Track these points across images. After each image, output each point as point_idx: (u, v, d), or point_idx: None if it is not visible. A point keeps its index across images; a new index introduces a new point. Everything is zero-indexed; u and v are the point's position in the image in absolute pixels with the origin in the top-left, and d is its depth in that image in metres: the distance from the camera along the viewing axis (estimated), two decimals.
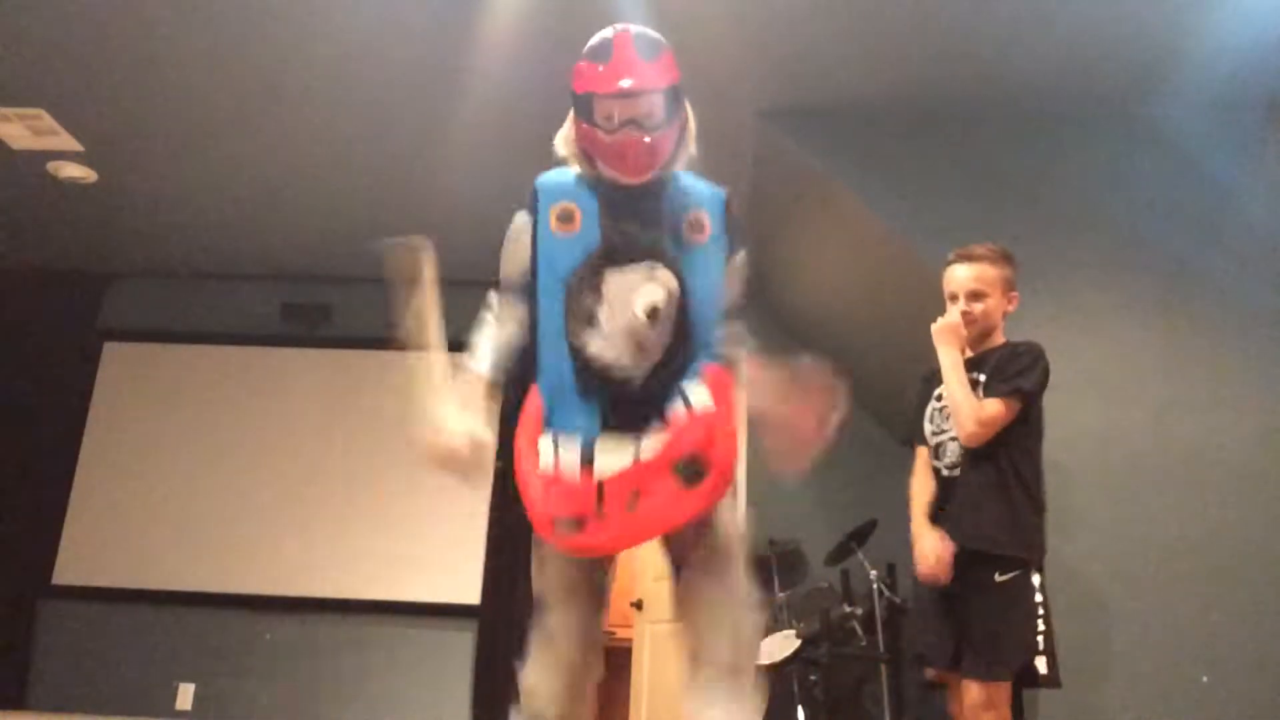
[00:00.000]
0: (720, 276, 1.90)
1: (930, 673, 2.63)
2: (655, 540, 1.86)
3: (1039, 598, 2.43)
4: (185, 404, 5.66)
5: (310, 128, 4.34)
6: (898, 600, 4.25)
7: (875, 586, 4.25)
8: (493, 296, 1.93)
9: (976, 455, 2.50)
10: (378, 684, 5.16)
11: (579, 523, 1.72)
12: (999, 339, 2.65)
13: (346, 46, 3.77)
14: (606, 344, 1.79)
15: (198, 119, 4.31)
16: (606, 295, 1.80)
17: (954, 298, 2.64)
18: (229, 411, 5.63)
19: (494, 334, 1.89)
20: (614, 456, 1.76)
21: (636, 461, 1.74)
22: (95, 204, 5.10)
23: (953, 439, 2.57)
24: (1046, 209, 3.81)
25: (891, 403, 5.03)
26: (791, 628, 4.23)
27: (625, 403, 1.79)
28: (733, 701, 1.78)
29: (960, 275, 2.63)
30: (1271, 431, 3.45)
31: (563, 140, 1.93)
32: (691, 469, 1.72)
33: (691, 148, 1.93)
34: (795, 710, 4.04)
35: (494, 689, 5.09)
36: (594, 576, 1.89)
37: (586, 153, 1.88)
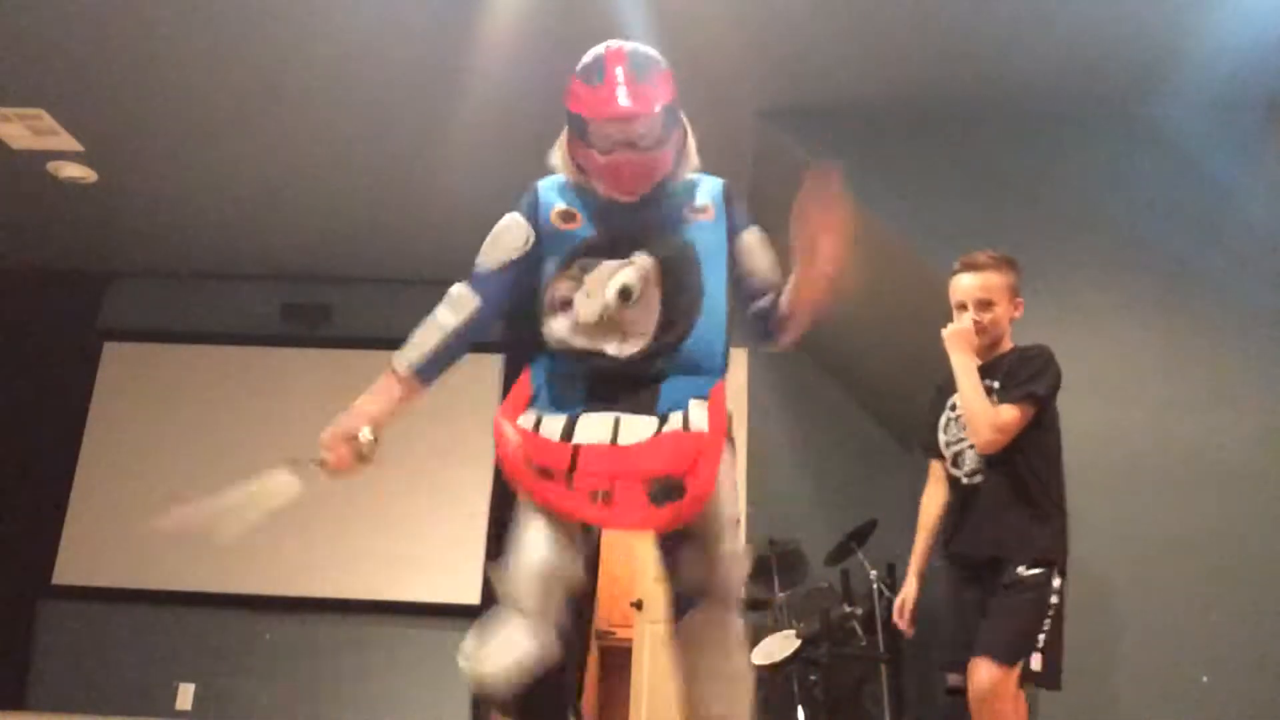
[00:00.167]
0: (723, 249, 1.90)
1: (953, 678, 2.63)
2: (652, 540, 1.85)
3: (1055, 599, 2.44)
4: (185, 404, 5.66)
5: (310, 128, 4.34)
6: (897, 600, 4.25)
7: (875, 586, 4.25)
8: (456, 288, 1.91)
9: (996, 462, 2.51)
10: (378, 684, 5.16)
11: (549, 472, 1.72)
12: (1007, 344, 2.65)
13: (346, 46, 3.77)
14: (578, 328, 1.80)
15: (198, 119, 4.31)
16: (586, 282, 1.80)
17: (962, 307, 2.64)
18: (229, 411, 5.63)
19: (438, 326, 1.88)
20: (593, 433, 1.76)
21: (614, 444, 1.74)
22: (95, 204, 5.10)
23: (971, 447, 2.58)
24: (1046, 209, 3.81)
25: (891, 403, 5.03)
26: (791, 628, 4.23)
27: (607, 382, 1.79)
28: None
29: (967, 284, 2.63)
30: (1271, 431, 3.45)
31: (558, 155, 1.92)
32: (664, 490, 1.70)
33: (694, 160, 1.92)
34: (795, 710, 4.04)
35: None
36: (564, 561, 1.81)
37: (582, 169, 1.87)
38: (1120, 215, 3.76)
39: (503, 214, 1.96)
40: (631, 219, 1.86)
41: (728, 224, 1.93)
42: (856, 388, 5.22)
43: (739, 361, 5.19)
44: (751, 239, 1.95)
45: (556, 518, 1.74)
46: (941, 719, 4.36)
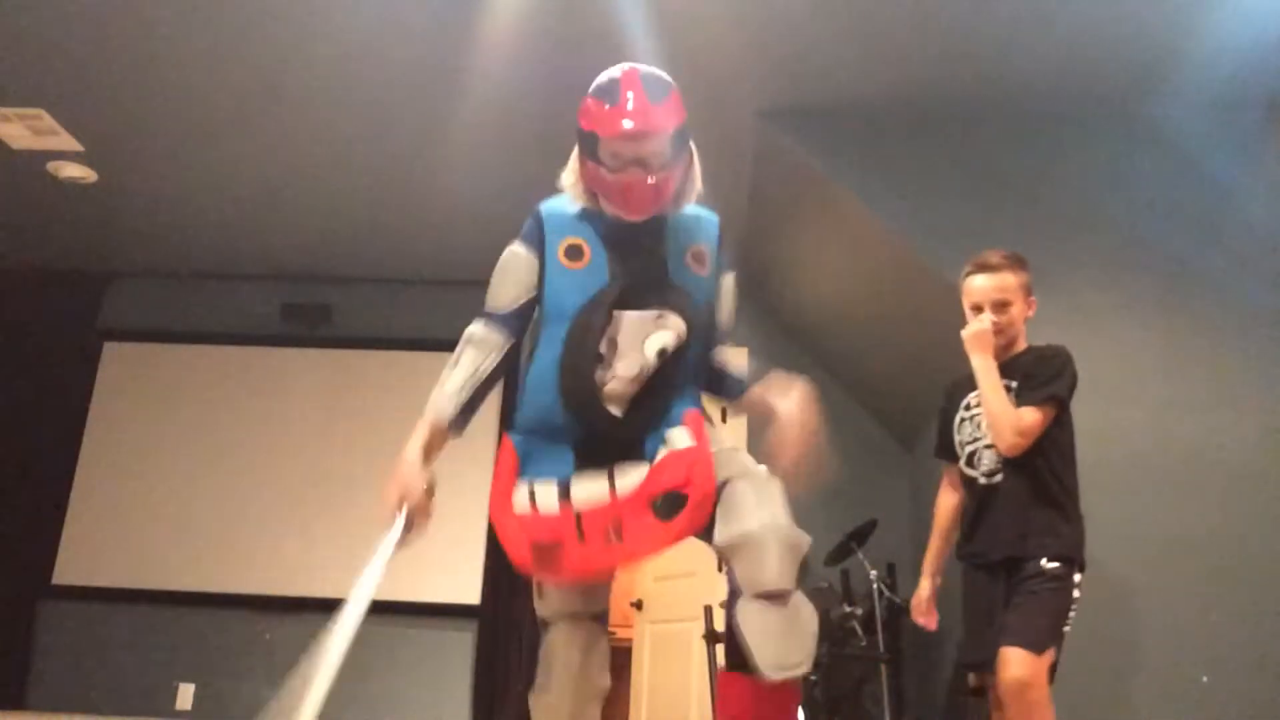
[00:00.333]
0: (713, 308, 1.96)
1: (973, 679, 2.63)
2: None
3: (1076, 594, 2.44)
4: (185, 404, 5.66)
5: (310, 128, 4.34)
6: (898, 600, 4.25)
7: (875, 586, 4.25)
8: (476, 325, 1.94)
9: (1015, 462, 2.50)
10: (378, 684, 5.15)
11: (558, 547, 1.76)
12: (1022, 344, 2.64)
13: (346, 46, 3.77)
14: (615, 382, 1.83)
15: (198, 119, 4.31)
16: (616, 337, 1.83)
17: (978, 308, 2.62)
18: (229, 411, 5.63)
19: (470, 365, 1.91)
20: (590, 490, 1.80)
21: (614, 497, 1.78)
22: (95, 204, 5.10)
23: (987, 446, 2.56)
24: (1046, 209, 3.81)
25: (891, 403, 5.03)
26: None
27: (599, 441, 1.83)
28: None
29: (982, 285, 2.62)
30: (1271, 431, 3.45)
31: (567, 175, 1.94)
32: (668, 504, 1.75)
33: (698, 185, 1.94)
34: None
35: (494, 689, 5.09)
36: (593, 595, 1.92)
37: (590, 189, 1.89)
38: (1120, 215, 3.76)
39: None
40: (637, 247, 1.88)
41: (715, 269, 1.98)
42: (856, 388, 5.21)
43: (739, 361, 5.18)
44: (726, 285, 2.02)
45: (579, 588, 1.83)
46: (941, 719, 4.36)
